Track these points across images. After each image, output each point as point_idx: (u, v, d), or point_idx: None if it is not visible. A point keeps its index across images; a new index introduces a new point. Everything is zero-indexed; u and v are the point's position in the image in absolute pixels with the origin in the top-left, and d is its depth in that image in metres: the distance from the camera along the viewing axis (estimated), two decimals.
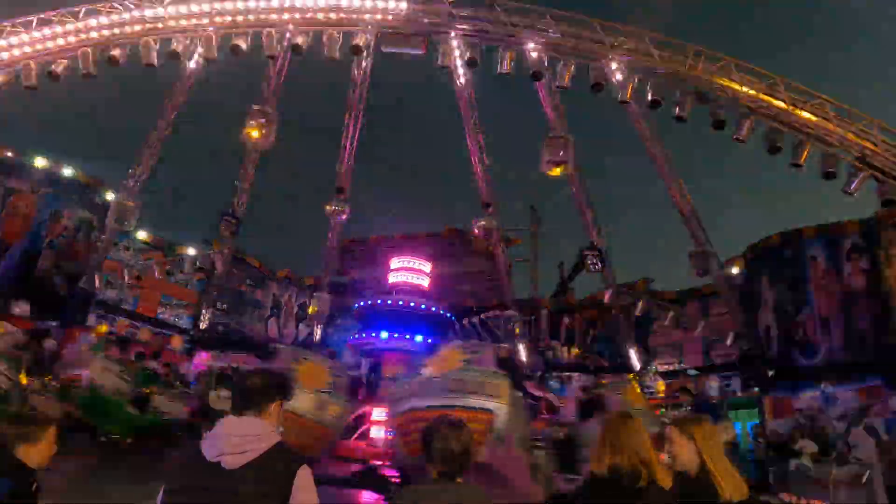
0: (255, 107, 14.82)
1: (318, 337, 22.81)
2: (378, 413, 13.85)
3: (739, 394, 16.49)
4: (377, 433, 13.43)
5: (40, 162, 16.27)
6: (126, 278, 18.23)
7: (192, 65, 14.59)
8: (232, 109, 16.84)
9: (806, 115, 11.00)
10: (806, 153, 10.93)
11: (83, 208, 17.17)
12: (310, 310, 22.08)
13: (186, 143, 23.94)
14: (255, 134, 14.44)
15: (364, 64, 16.60)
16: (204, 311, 20.56)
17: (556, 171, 13.50)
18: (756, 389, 15.41)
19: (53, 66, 11.21)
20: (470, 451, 2.32)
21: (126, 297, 19.08)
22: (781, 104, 11.21)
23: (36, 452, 2.64)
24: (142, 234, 19.36)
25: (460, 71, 16.17)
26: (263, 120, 14.47)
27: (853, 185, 10.65)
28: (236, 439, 2.12)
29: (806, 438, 13.14)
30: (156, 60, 11.98)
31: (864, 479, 11.62)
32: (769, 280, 15.91)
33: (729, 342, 16.80)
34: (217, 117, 25.89)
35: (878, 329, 12.99)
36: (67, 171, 16.82)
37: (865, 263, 13.77)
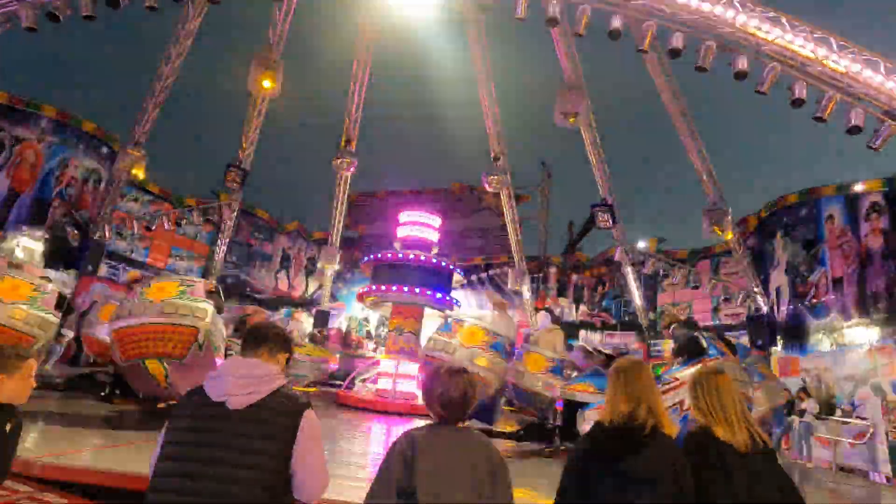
0: (261, 54, 14.44)
1: (327, 290, 22.99)
2: (386, 364, 14.09)
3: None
4: (385, 383, 13.70)
5: (47, 110, 16.14)
6: (135, 229, 18.32)
7: (195, 8, 14.18)
8: (238, 56, 16.44)
9: (834, 65, 10.47)
10: (832, 106, 10.47)
11: (90, 158, 17.13)
12: (320, 265, 22.16)
13: (192, 92, 23.52)
14: (264, 83, 14.14)
15: (372, 10, 16.07)
16: (213, 263, 20.78)
17: (571, 121, 13.09)
18: (763, 349, 15.43)
19: (52, 8, 10.86)
20: (469, 396, 2.28)
21: (136, 248, 19.25)
22: (809, 54, 10.67)
23: (11, 386, 2.46)
24: (150, 186, 19.34)
25: (473, 17, 15.60)
26: (269, 68, 14.13)
27: (879, 141, 10.23)
28: (242, 380, 2.09)
29: (811, 398, 13.25)
30: (157, 2, 11.57)
31: (866, 438, 11.75)
32: (783, 239, 15.70)
33: (738, 301, 16.71)
34: (223, 65, 25.39)
35: (892, 290, 12.82)
36: (74, 120, 16.70)
37: (884, 223, 13.48)
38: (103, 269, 17.34)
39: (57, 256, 16.04)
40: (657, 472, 2.20)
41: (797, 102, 10.77)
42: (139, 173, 16.65)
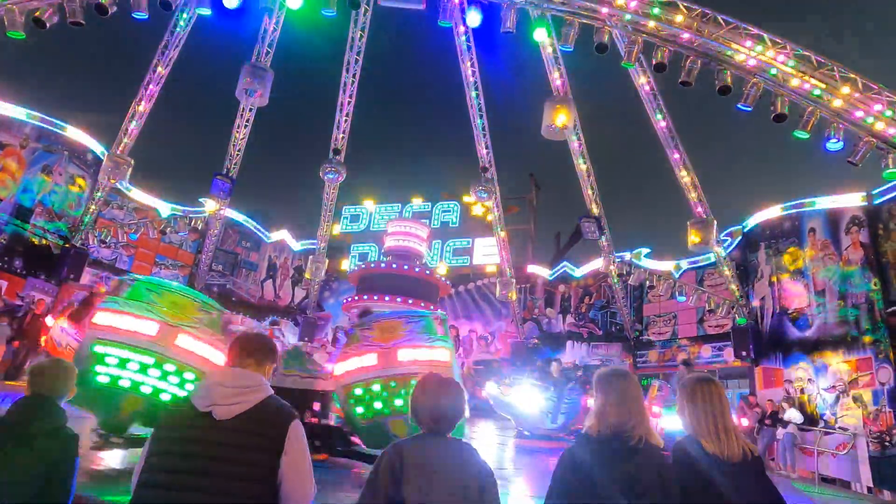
0: (250, 63, 14.41)
1: (313, 299, 22.83)
2: None
3: (731, 364, 16.72)
4: None
5: (30, 116, 15.93)
6: (120, 237, 18.08)
7: (184, 16, 14.16)
8: (226, 65, 16.39)
9: (815, 82, 10.73)
10: (813, 122, 10.73)
11: (74, 165, 16.92)
12: (306, 274, 21.99)
13: (178, 100, 23.36)
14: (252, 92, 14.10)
15: (362, 19, 16.16)
16: (199, 272, 20.57)
17: (562, 123, 13.08)
18: (748, 360, 15.60)
19: (39, 13, 10.75)
20: (458, 406, 2.28)
21: (121, 256, 18.99)
22: (790, 71, 10.93)
23: None
24: (135, 194, 19.14)
25: (461, 29, 15.75)
26: (257, 77, 14.09)
27: (858, 156, 10.49)
28: (228, 390, 2.07)
29: (794, 408, 13.39)
30: (146, 11, 11.52)
31: (847, 448, 11.90)
32: (766, 251, 15.92)
33: (723, 313, 16.89)
34: (210, 73, 25.30)
35: (871, 301, 13.02)
36: (58, 126, 16.51)
37: (864, 237, 13.72)
38: (86, 278, 17.04)
39: (38, 264, 15.77)
40: (645, 482, 2.21)
41: (779, 118, 11.01)
42: (124, 180, 16.48)
